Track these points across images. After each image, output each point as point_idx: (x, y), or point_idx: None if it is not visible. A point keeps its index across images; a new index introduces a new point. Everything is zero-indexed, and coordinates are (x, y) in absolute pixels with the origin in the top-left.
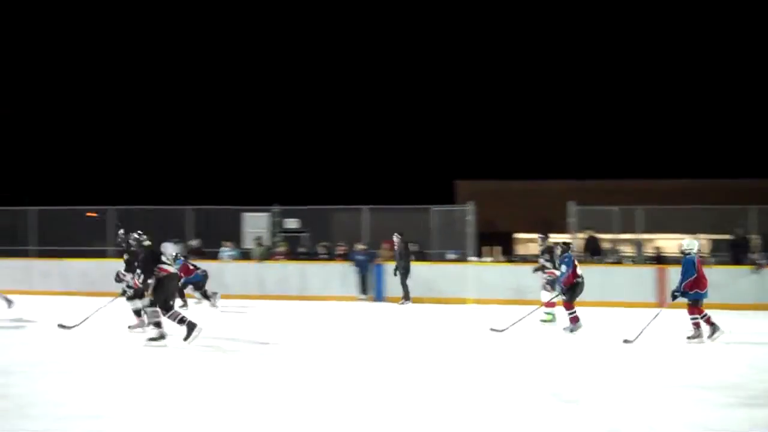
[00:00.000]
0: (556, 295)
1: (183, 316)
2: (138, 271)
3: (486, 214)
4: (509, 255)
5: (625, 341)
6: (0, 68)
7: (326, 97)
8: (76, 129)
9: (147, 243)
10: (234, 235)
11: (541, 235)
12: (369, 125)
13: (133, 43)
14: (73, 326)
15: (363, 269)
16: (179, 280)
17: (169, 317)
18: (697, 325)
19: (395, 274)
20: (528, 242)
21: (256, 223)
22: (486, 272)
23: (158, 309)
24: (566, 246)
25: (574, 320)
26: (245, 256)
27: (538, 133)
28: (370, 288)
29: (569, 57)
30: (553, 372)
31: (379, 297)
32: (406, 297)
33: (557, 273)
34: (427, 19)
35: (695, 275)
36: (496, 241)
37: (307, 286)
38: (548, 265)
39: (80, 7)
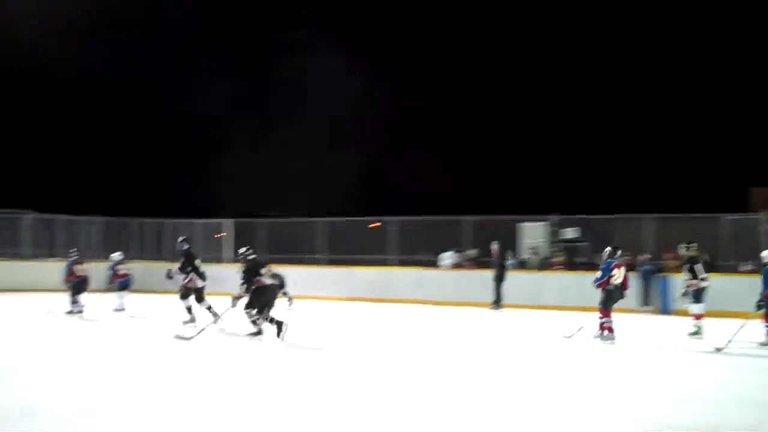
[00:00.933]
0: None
1: (273, 317)
2: (241, 281)
3: None
4: None
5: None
6: None
7: (608, 100)
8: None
9: (251, 257)
10: (512, 245)
11: (684, 245)
12: (655, 129)
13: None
14: (191, 338)
15: (647, 280)
16: (276, 291)
17: (262, 318)
18: None
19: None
20: None
21: (533, 233)
22: None
23: (254, 311)
24: (613, 251)
25: (607, 329)
26: (522, 265)
27: None
28: (653, 299)
29: None
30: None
31: (665, 309)
32: (497, 302)
33: (703, 284)
34: (719, 27)
35: None
36: None
37: (586, 297)
38: (688, 275)
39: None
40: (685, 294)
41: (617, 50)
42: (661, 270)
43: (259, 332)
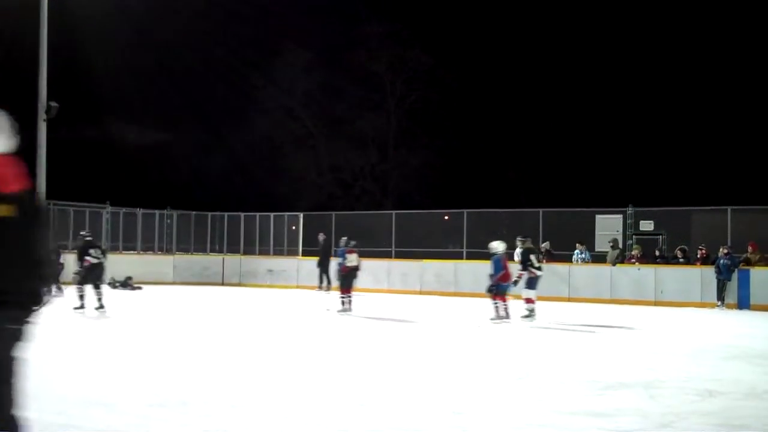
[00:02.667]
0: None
1: (83, 295)
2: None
3: None
4: None
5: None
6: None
7: (683, 90)
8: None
9: (88, 238)
10: (586, 238)
11: (520, 238)
12: (734, 116)
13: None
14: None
15: (724, 274)
16: (103, 269)
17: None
18: (497, 309)
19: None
20: None
21: (609, 225)
22: None
23: (83, 287)
24: (347, 241)
25: (346, 303)
26: (597, 259)
27: None
28: (729, 294)
29: None
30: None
31: (743, 304)
32: (324, 286)
33: (538, 273)
34: None
35: (503, 271)
36: None
37: (663, 292)
38: (520, 266)
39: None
40: (515, 283)
41: (696, 40)
42: (740, 264)
43: (82, 307)
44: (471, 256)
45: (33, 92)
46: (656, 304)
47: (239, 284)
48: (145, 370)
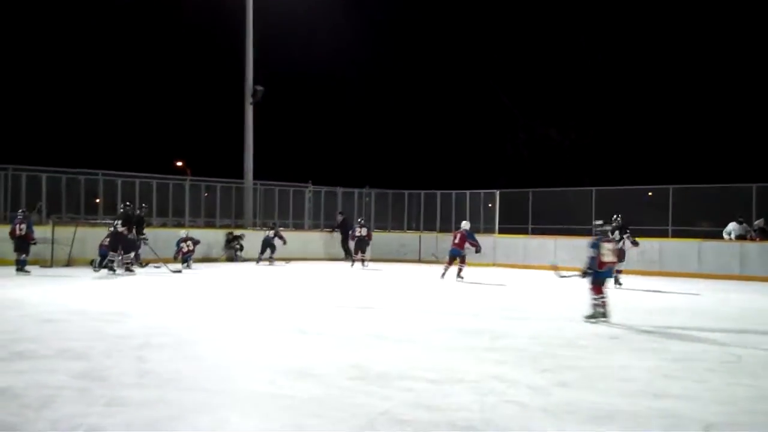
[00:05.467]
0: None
1: (113, 260)
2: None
3: None
4: None
5: None
6: None
7: None
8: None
9: (137, 212)
10: None
11: (615, 216)
12: None
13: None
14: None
15: None
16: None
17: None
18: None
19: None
20: None
21: None
22: None
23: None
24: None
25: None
26: None
27: None
28: None
29: None
30: None
31: None
32: (348, 257)
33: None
34: None
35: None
36: None
37: None
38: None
39: None
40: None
41: None
42: None
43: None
44: (677, 234)
45: (240, 77)
46: None
47: (436, 261)
48: (343, 343)
